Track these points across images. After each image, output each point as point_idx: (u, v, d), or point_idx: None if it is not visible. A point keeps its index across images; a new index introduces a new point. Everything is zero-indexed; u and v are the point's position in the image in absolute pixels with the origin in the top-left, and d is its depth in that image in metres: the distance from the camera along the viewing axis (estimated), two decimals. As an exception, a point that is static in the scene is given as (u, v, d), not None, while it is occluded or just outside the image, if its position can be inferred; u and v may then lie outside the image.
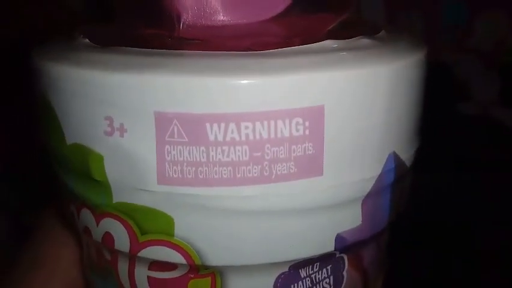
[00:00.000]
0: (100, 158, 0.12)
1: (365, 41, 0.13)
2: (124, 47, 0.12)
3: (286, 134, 0.11)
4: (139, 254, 0.13)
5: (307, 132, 0.11)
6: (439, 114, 0.44)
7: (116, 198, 0.12)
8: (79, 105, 0.12)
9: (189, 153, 0.11)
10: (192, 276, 0.13)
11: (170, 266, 0.13)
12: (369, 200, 0.13)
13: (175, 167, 0.11)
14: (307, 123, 0.11)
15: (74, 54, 0.13)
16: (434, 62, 0.47)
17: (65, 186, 0.14)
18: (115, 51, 0.12)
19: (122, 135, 0.11)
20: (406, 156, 0.14)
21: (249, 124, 0.11)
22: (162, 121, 0.11)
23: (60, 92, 0.12)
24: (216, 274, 0.13)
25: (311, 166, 0.11)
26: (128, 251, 0.13)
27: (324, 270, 0.14)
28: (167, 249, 0.12)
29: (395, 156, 0.13)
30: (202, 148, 0.11)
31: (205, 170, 0.11)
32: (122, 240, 0.13)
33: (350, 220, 0.13)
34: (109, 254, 0.14)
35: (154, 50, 0.12)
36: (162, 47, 0.12)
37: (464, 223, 0.51)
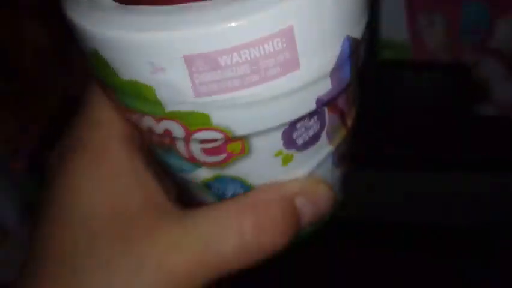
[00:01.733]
0: (151, 89, 0.18)
1: None
2: (148, 6, 0.18)
3: (271, 50, 0.17)
4: (191, 138, 0.20)
5: (284, 45, 0.17)
6: (458, 115, 0.45)
7: (167, 109, 0.19)
8: (129, 57, 0.18)
9: (211, 76, 0.18)
10: (229, 142, 0.20)
11: (214, 140, 0.20)
12: (335, 71, 0.19)
13: (203, 85, 0.18)
14: (284, 39, 0.17)
15: (118, 18, 0.18)
16: (454, 63, 0.48)
17: (126, 105, 0.20)
18: (145, 12, 0.18)
19: (163, 73, 0.18)
20: (357, 33, 0.20)
21: (246, 51, 0.17)
22: (189, 60, 0.17)
23: (112, 50, 0.18)
24: (243, 139, 0.21)
25: (290, 65, 0.18)
26: (183, 137, 0.20)
27: (312, 119, 0.21)
28: (210, 131, 0.19)
29: (348, 38, 0.19)
30: (218, 71, 0.17)
31: (222, 84, 0.18)
32: (178, 132, 0.19)
33: (324, 87, 0.19)
34: (169, 139, 0.21)
35: (173, 6, 0.17)
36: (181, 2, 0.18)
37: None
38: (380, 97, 0.48)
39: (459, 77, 0.48)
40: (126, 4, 0.18)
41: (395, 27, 0.47)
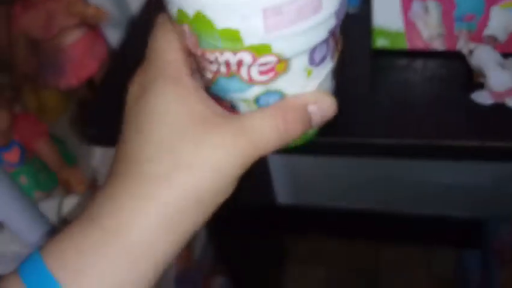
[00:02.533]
0: (238, 32, 0.29)
1: None
2: None
3: (308, 2, 0.28)
4: (256, 62, 0.30)
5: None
6: (454, 102, 0.44)
7: (245, 44, 0.29)
8: (226, 13, 0.29)
9: (275, 19, 0.29)
10: (277, 63, 0.31)
11: (269, 63, 0.31)
12: (337, 11, 0.30)
13: (270, 25, 0.29)
14: None
15: None
16: (449, 52, 0.48)
17: (214, 46, 0.31)
18: None
19: (248, 20, 0.29)
20: None
21: (295, 4, 0.29)
22: (264, 11, 0.28)
23: (214, 11, 0.29)
24: (287, 60, 0.31)
25: (317, 9, 0.29)
26: (250, 63, 0.30)
27: (324, 44, 0.32)
28: (269, 56, 0.30)
29: None
30: (279, 17, 0.29)
31: (280, 24, 0.29)
32: (247, 59, 0.30)
33: (332, 22, 0.31)
34: (236, 68, 0.31)
35: None
36: None
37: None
38: (375, 85, 0.47)
39: (454, 65, 0.47)
40: None
41: (389, 16, 0.46)
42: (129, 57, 0.56)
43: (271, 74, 0.33)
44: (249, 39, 0.30)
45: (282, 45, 0.31)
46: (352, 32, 0.50)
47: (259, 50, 0.31)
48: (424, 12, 0.45)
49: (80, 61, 0.80)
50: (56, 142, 0.79)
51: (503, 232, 1.04)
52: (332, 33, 0.33)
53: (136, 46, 0.58)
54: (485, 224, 1.06)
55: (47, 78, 0.81)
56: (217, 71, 0.33)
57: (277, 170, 1.12)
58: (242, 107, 0.36)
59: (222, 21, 0.30)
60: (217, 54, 0.32)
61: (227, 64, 0.32)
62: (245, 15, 0.29)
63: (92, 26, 0.79)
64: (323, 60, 0.35)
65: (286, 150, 0.36)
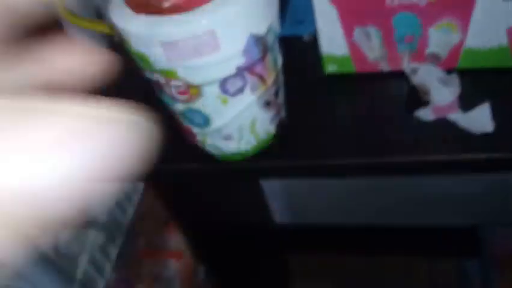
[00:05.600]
0: (147, 56, 0.37)
1: None
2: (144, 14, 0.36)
3: (205, 39, 0.36)
4: (170, 84, 0.40)
5: (210, 38, 0.36)
6: (400, 121, 0.47)
7: (155, 68, 0.38)
8: (138, 40, 0.37)
9: (174, 51, 0.37)
10: (190, 88, 0.40)
11: (181, 86, 0.40)
12: (245, 52, 0.38)
13: (171, 56, 0.37)
14: (210, 36, 0.36)
15: (134, 20, 0.37)
16: (394, 72, 0.50)
17: (138, 64, 0.39)
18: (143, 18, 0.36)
19: (152, 49, 0.37)
20: (261, 31, 0.37)
21: (191, 40, 0.36)
22: (164, 44, 0.36)
23: (130, 36, 0.37)
24: (197, 86, 0.40)
25: (215, 48, 0.36)
26: (165, 83, 0.40)
27: (237, 78, 0.39)
28: (177, 81, 0.39)
29: (251, 34, 0.37)
30: (178, 49, 0.36)
31: (180, 55, 0.37)
32: (162, 80, 0.40)
33: (239, 61, 0.38)
34: (159, 84, 0.41)
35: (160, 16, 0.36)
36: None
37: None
38: (329, 108, 0.50)
39: (400, 85, 0.49)
40: (136, 12, 0.36)
41: (334, 43, 0.49)
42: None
43: (187, 96, 0.40)
44: (156, 64, 0.37)
45: (187, 73, 0.38)
46: (308, 59, 0.53)
47: (167, 74, 0.38)
48: (366, 37, 0.48)
49: None
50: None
51: (500, 238, 1.04)
52: (247, 69, 0.39)
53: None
54: (483, 231, 1.06)
55: None
56: (152, 83, 0.41)
57: (272, 190, 1.14)
58: (179, 117, 0.44)
59: (134, 45, 0.37)
60: (143, 70, 0.40)
61: (151, 80, 0.40)
62: (148, 44, 0.36)
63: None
64: (239, 92, 0.40)
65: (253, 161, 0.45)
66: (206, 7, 0.35)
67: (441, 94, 0.45)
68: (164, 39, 0.35)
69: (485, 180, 1.02)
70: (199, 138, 0.45)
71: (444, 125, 0.45)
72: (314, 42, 0.56)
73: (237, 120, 0.42)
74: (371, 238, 1.16)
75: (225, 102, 0.40)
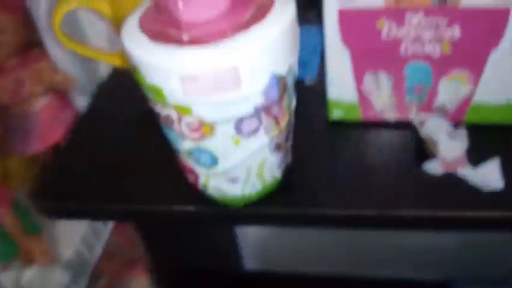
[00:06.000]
0: (162, 90, 0.35)
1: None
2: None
3: (225, 76, 0.34)
4: (182, 120, 0.37)
5: (232, 75, 0.34)
6: (408, 174, 0.45)
7: (169, 102, 0.36)
8: (153, 73, 0.35)
9: (192, 86, 0.34)
10: (203, 125, 0.37)
11: (194, 123, 0.37)
12: (265, 91, 0.36)
13: (188, 91, 0.34)
14: (232, 72, 0.34)
15: (148, 50, 0.34)
16: (402, 123, 0.49)
17: (149, 97, 0.37)
18: (163, 47, 0.34)
19: (170, 83, 0.34)
20: (282, 71, 0.36)
21: (211, 76, 0.34)
22: (182, 78, 0.33)
23: (143, 68, 0.35)
24: (211, 124, 0.37)
25: (235, 85, 0.34)
26: (177, 119, 0.37)
27: (253, 118, 0.37)
28: (191, 118, 0.36)
29: (274, 73, 0.35)
30: (196, 84, 0.34)
31: (198, 91, 0.34)
32: (174, 116, 0.37)
33: (258, 100, 0.36)
34: (170, 120, 0.38)
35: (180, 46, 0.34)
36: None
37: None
38: (331, 156, 0.48)
39: (407, 135, 0.48)
40: (153, 41, 0.34)
41: (343, 88, 0.48)
42: (94, 124, 0.57)
43: (199, 133, 0.37)
44: (171, 99, 0.35)
45: (202, 110, 0.35)
46: (309, 103, 0.52)
47: (181, 110, 0.35)
48: (376, 84, 0.47)
49: (47, 127, 0.79)
50: (19, 210, 0.77)
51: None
52: (264, 110, 0.37)
53: (101, 113, 0.58)
54: (453, 286, 1.06)
55: (12, 143, 0.80)
56: (160, 119, 0.39)
57: (243, 236, 1.10)
58: (182, 155, 0.41)
59: (149, 77, 0.35)
60: (152, 104, 0.37)
61: (161, 115, 0.38)
62: (165, 77, 0.34)
63: (60, 92, 0.79)
64: (253, 133, 0.38)
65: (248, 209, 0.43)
66: (228, 41, 0.33)
67: (450, 148, 0.44)
68: (184, 73, 0.33)
69: (459, 235, 1.01)
70: (201, 179, 0.42)
71: (451, 180, 0.44)
72: (316, 86, 0.55)
73: (246, 162, 0.40)
74: (341, 288, 1.14)
75: (237, 143, 0.38)
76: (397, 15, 0.42)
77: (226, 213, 0.44)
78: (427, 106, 0.48)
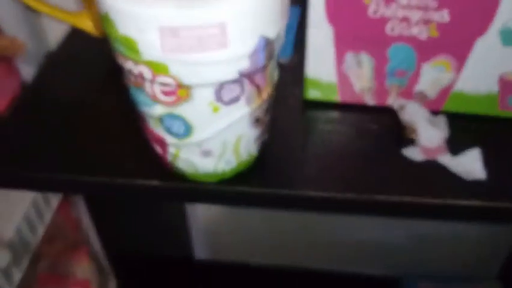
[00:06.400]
0: (136, 42, 0.31)
1: None
2: None
3: (212, 33, 0.30)
4: (155, 80, 0.33)
5: (220, 32, 0.30)
6: (386, 159, 0.44)
7: (143, 58, 0.31)
8: (126, 21, 0.30)
9: (173, 41, 0.30)
10: (179, 88, 0.33)
11: (169, 84, 0.33)
12: (252, 55, 0.32)
13: (167, 46, 0.30)
14: (220, 29, 0.30)
15: None
16: (381, 106, 0.47)
17: (119, 51, 0.33)
18: None
19: (145, 34, 0.30)
20: (271, 34, 0.32)
21: (197, 30, 0.29)
22: (161, 29, 0.29)
23: (117, 15, 0.31)
24: (188, 88, 0.33)
25: (222, 44, 0.30)
26: (150, 79, 0.33)
27: (235, 84, 0.33)
28: (167, 77, 0.32)
29: (262, 36, 0.32)
30: (178, 39, 0.30)
31: (179, 47, 0.30)
32: (147, 75, 0.32)
33: (243, 64, 0.32)
34: (140, 80, 0.33)
35: None
36: None
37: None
38: (305, 137, 0.46)
39: (384, 119, 0.47)
40: None
41: (323, 67, 0.46)
42: (42, 94, 0.52)
43: (173, 97, 0.34)
44: (147, 54, 0.31)
45: (181, 70, 0.32)
46: (284, 83, 0.49)
47: (157, 68, 0.32)
48: (357, 65, 0.45)
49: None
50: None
51: (419, 291, 1.04)
52: (247, 76, 0.34)
53: (50, 83, 0.54)
54: (402, 283, 1.06)
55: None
56: (129, 79, 0.35)
57: (195, 224, 1.08)
58: (151, 123, 0.37)
59: (122, 27, 0.31)
60: (122, 59, 0.33)
61: (131, 73, 0.33)
62: (142, 28, 0.30)
63: (4, 59, 0.73)
64: (234, 101, 0.35)
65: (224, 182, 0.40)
66: None
67: (430, 134, 0.43)
68: (164, 24, 0.29)
69: (410, 231, 1.02)
70: (171, 150, 0.39)
71: (431, 167, 0.43)
72: (291, 65, 0.53)
73: (222, 134, 0.37)
74: (291, 281, 1.13)
75: (215, 110, 0.35)
76: (386, -8, 0.41)
77: (195, 190, 0.41)
78: (407, 91, 0.46)
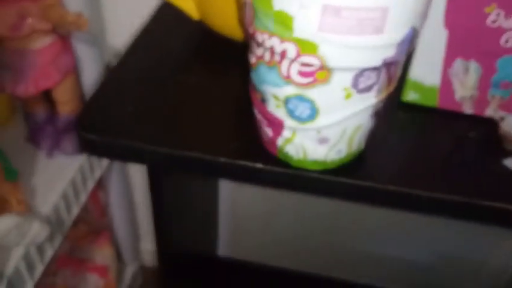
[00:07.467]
0: (291, 18, 0.30)
1: None
2: None
3: (372, 16, 0.29)
4: (299, 59, 0.32)
5: (380, 16, 0.30)
6: (486, 168, 0.44)
7: (294, 35, 0.31)
8: None
9: (332, 20, 0.29)
10: (319, 70, 0.33)
11: (311, 65, 0.32)
12: (399, 44, 0.32)
13: (325, 25, 0.30)
14: (381, 13, 0.29)
15: None
16: (480, 116, 0.46)
17: (266, 27, 0.32)
18: None
19: (306, 10, 0.30)
20: (418, 26, 0.32)
21: (358, 11, 0.29)
22: (325, 6, 0.29)
23: None
24: (330, 70, 0.32)
25: (379, 29, 0.30)
26: (293, 57, 0.32)
27: (374, 73, 0.33)
28: (313, 57, 0.32)
29: (412, 27, 0.31)
30: (338, 19, 0.30)
31: (336, 28, 0.30)
32: (292, 52, 0.32)
33: (389, 52, 0.32)
34: (279, 58, 0.33)
35: None
36: None
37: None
38: (404, 139, 0.46)
39: (482, 129, 0.47)
40: None
41: (428, 69, 0.46)
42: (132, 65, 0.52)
43: (310, 79, 0.33)
44: (300, 31, 0.30)
45: (329, 52, 0.31)
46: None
47: (306, 46, 0.31)
48: (464, 72, 0.45)
49: (43, 70, 0.73)
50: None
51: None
52: (387, 65, 0.33)
53: (140, 56, 0.54)
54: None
55: (1, 81, 0.73)
56: (261, 57, 0.34)
57: (223, 221, 1.07)
58: (271, 103, 0.36)
59: (279, 2, 0.30)
60: (266, 36, 0.32)
61: (271, 51, 0.33)
62: (305, 4, 0.29)
63: (62, 36, 0.73)
64: (367, 89, 0.34)
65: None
66: None
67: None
68: (329, 1, 0.29)
69: (434, 248, 1.02)
70: (285, 133, 0.38)
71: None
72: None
73: (344, 122, 0.36)
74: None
75: (348, 97, 0.34)
76: (509, 4, 0.41)
77: (299, 177, 0.41)
78: (508, 103, 0.46)
